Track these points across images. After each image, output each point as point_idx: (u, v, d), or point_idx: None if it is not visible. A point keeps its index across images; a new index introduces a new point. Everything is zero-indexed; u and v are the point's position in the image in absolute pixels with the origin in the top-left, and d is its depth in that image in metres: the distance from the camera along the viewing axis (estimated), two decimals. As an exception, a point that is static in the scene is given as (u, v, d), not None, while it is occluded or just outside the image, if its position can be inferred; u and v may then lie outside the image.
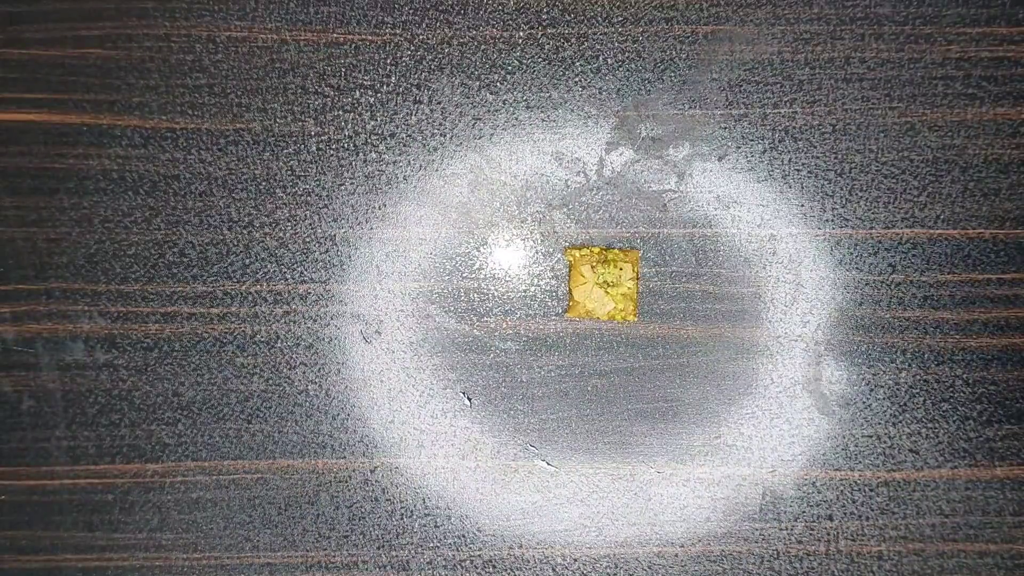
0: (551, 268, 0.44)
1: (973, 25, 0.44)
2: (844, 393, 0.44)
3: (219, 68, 0.44)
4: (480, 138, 0.44)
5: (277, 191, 0.44)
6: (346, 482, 0.44)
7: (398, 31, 0.44)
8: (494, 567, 0.44)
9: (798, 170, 0.44)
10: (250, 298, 0.44)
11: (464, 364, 0.44)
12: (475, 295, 0.44)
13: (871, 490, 0.43)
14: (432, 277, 0.44)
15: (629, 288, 0.42)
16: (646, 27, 0.44)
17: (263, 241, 0.44)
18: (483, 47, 0.44)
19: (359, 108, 0.44)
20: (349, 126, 0.44)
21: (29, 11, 0.44)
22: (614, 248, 0.43)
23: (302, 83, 0.44)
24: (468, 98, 0.44)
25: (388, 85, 0.44)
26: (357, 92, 0.44)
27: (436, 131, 0.44)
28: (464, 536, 0.44)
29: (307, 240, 0.44)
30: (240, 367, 0.44)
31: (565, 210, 0.44)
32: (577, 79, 0.44)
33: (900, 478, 0.43)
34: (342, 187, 0.44)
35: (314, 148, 0.44)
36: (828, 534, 0.43)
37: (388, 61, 0.44)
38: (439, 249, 0.44)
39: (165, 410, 0.44)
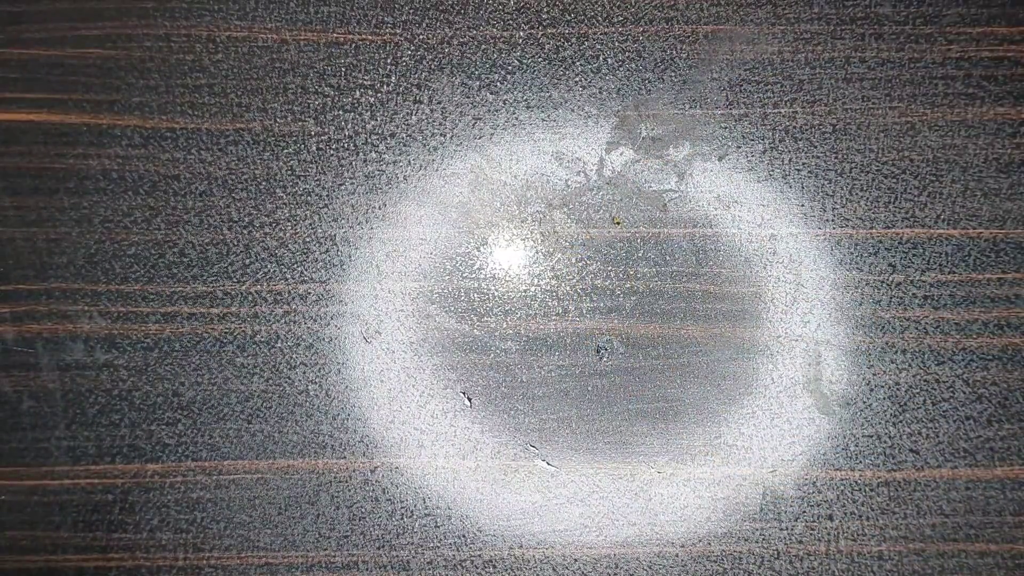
0: (551, 268, 0.44)
1: (973, 25, 0.44)
2: (844, 393, 0.44)
3: (219, 68, 0.44)
4: (480, 138, 0.44)
5: (277, 191, 0.44)
6: (346, 482, 0.44)
7: (398, 31, 0.44)
8: (494, 567, 0.44)
9: (798, 170, 0.44)
10: (250, 298, 0.44)
11: (464, 364, 0.44)
12: (475, 295, 0.44)
13: (871, 490, 0.43)
14: (432, 277, 0.44)
15: None
16: (646, 27, 0.44)
17: (263, 241, 0.44)
18: (483, 47, 0.44)
19: (359, 108, 0.44)
20: (349, 126, 0.44)
21: (29, 11, 0.44)
22: None
23: (302, 83, 0.44)
24: (468, 98, 0.44)
25: (388, 85, 0.44)
26: (357, 92, 0.44)
27: (436, 131, 0.44)
28: (464, 536, 0.44)
29: (307, 240, 0.44)
30: (240, 367, 0.44)
31: (565, 210, 0.44)
32: (577, 79, 0.44)
33: (900, 478, 0.43)
34: (342, 187, 0.44)
35: (314, 148, 0.44)
36: (828, 534, 0.43)
37: (388, 61, 0.44)
38: (439, 249, 0.44)
39: (165, 410, 0.44)
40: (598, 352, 0.44)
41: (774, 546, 0.43)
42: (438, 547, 0.44)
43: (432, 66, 0.44)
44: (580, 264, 0.44)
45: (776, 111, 0.44)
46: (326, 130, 0.44)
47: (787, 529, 0.43)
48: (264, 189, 0.44)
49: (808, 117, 0.44)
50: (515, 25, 0.44)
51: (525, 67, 0.44)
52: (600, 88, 0.44)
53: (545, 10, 0.44)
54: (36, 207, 0.44)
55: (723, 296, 0.44)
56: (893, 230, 0.44)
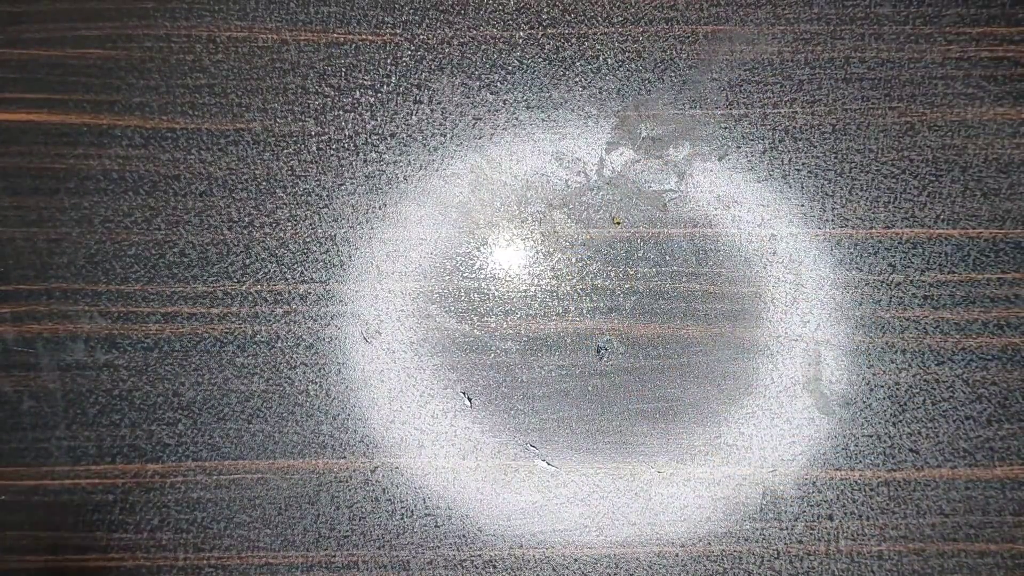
0: (551, 268, 0.44)
1: (973, 25, 0.44)
2: (844, 393, 0.44)
3: (219, 68, 0.44)
4: (480, 138, 0.44)
5: (277, 191, 0.44)
6: (346, 482, 0.44)
7: (398, 31, 0.44)
8: (494, 567, 0.44)
9: (798, 170, 0.44)
10: (250, 298, 0.44)
11: (464, 364, 0.44)
12: (475, 295, 0.44)
13: (871, 490, 0.43)
14: (432, 277, 0.44)
15: None
16: (646, 27, 0.44)
17: (263, 241, 0.44)
18: (483, 47, 0.44)
19: (359, 108, 0.44)
20: (349, 126, 0.44)
21: (29, 11, 0.44)
22: None
23: (302, 83, 0.44)
24: (468, 98, 0.44)
25: (388, 85, 0.44)
26: (357, 92, 0.44)
27: (436, 131, 0.44)
28: (464, 536, 0.44)
29: (307, 240, 0.44)
30: (240, 367, 0.44)
31: (565, 210, 0.44)
32: (577, 79, 0.44)
33: (900, 478, 0.43)
34: (342, 187, 0.44)
35: (314, 148, 0.44)
36: (828, 534, 0.43)
37: (388, 61, 0.44)
38: (439, 249, 0.44)
39: (165, 410, 0.44)
40: (598, 352, 0.44)
41: (774, 546, 0.43)
42: (438, 547, 0.44)
43: (432, 66, 0.44)
44: (580, 264, 0.44)
45: (776, 111, 0.44)
46: (326, 130, 0.44)
47: (787, 529, 0.43)
48: (264, 189, 0.44)
49: (808, 117, 0.44)
50: (515, 25, 0.44)
51: (525, 67, 0.44)
52: (600, 88, 0.44)
53: (545, 10, 0.44)
54: (36, 207, 0.44)
55: (723, 296, 0.44)
56: (893, 230, 0.44)
